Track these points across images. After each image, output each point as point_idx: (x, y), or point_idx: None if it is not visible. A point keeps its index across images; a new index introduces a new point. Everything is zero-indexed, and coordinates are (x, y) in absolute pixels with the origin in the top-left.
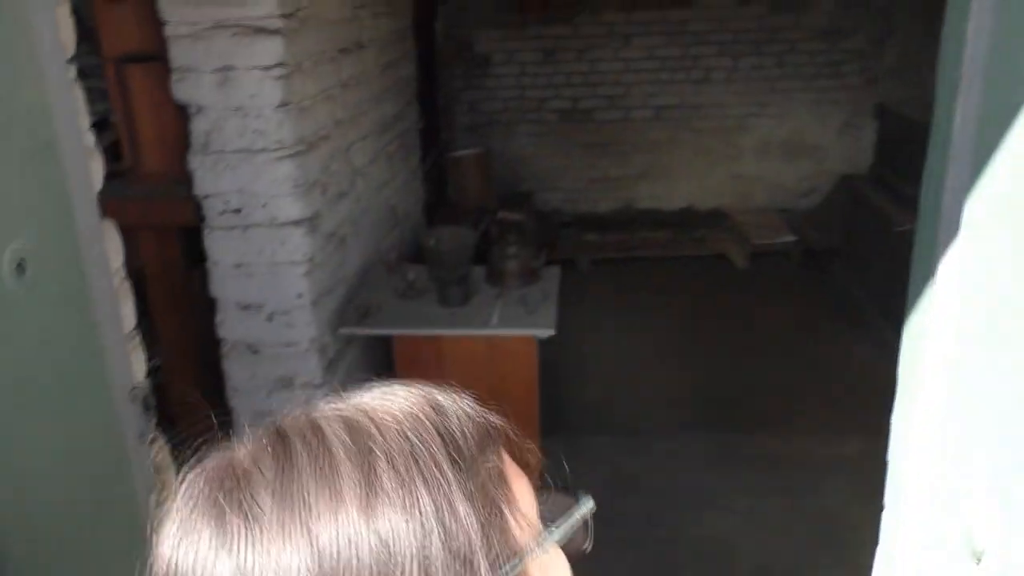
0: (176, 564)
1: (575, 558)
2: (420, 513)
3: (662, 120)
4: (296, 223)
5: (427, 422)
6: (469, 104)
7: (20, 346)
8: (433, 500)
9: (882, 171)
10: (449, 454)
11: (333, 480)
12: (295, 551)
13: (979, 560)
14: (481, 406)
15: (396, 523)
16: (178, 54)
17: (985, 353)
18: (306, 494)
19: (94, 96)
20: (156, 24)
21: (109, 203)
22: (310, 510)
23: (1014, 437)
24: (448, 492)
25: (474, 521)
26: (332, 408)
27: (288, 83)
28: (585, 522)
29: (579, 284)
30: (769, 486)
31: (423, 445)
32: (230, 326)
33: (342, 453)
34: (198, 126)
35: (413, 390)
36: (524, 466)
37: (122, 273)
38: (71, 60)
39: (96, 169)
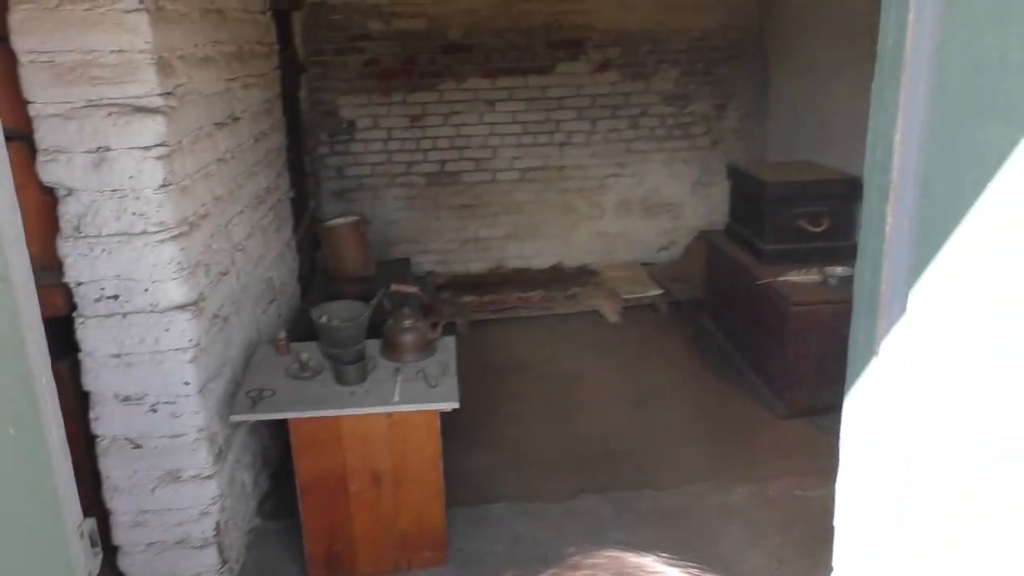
0: None
1: None
2: None
3: (528, 181)
4: (181, 307)
5: None
6: (336, 170)
7: None
8: None
9: (736, 226)
10: None
11: None
12: None
13: None
14: None
15: None
16: (46, 134)
17: (929, 423)
18: None
19: None
20: (18, 102)
21: None
22: None
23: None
24: None
25: None
26: None
27: (169, 162)
28: None
29: (460, 346)
30: (667, 540)
31: None
32: (107, 421)
33: None
34: (68, 209)
35: None
36: None
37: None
38: None
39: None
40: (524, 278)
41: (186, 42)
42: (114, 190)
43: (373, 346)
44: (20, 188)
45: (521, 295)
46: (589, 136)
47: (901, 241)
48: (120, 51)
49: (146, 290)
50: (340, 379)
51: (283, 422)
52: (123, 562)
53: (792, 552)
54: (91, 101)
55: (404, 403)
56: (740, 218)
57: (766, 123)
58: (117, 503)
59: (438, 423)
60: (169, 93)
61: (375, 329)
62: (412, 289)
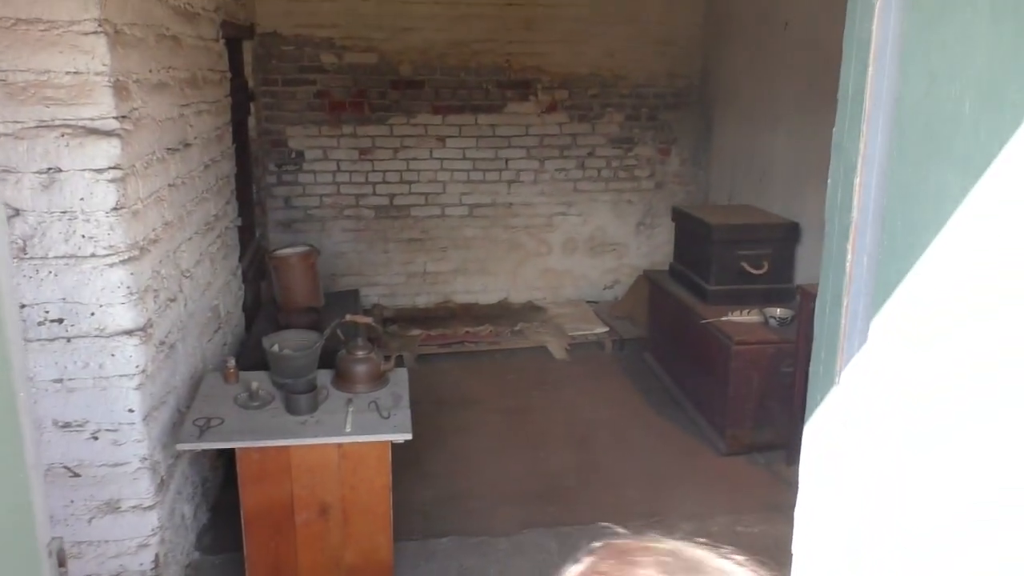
0: None
1: None
2: None
3: (476, 217)
4: (128, 333)
5: None
6: (283, 200)
7: None
8: None
9: (680, 267)
10: None
11: None
12: None
13: None
14: None
15: None
16: None
17: (889, 451)
18: None
19: None
20: None
21: None
22: None
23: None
24: None
25: None
26: None
27: (123, 185)
28: None
29: (409, 381)
30: None
31: None
32: (45, 448)
33: None
34: (15, 230)
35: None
36: None
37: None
38: None
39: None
40: (472, 313)
41: (142, 67)
42: (64, 212)
43: (325, 376)
44: None
45: (469, 330)
46: (537, 175)
47: (860, 276)
48: (76, 72)
49: (92, 314)
50: (291, 409)
51: (227, 453)
52: None
53: None
54: (43, 122)
55: (356, 434)
56: (684, 259)
57: (708, 167)
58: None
59: (389, 455)
60: (124, 116)
61: (326, 359)
62: (367, 320)
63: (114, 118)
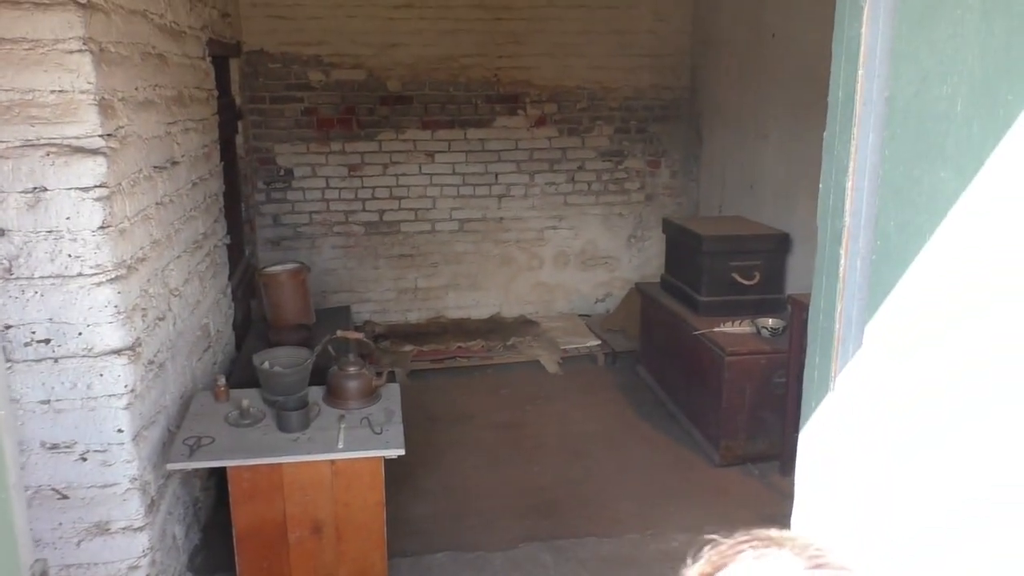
0: None
1: None
2: None
3: (467, 232)
4: (116, 352)
5: None
6: (272, 217)
7: None
8: None
9: (671, 279)
10: None
11: None
12: None
13: None
14: None
15: None
16: None
17: (886, 455)
18: None
19: None
20: None
21: None
22: None
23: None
24: None
25: None
26: None
27: (109, 204)
28: None
29: (401, 397)
30: None
31: None
32: (33, 470)
33: None
34: (0, 250)
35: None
36: None
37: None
38: None
39: None
40: (463, 328)
41: (127, 85)
42: (49, 231)
43: (316, 393)
44: None
45: (461, 345)
46: (527, 189)
47: (854, 280)
48: (61, 91)
49: (80, 334)
50: (282, 426)
51: (218, 472)
52: None
53: None
54: (28, 141)
55: (349, 450)
56: (675, 270)
57: (698, 179)
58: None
59: (382, 471)
60: (110, 135)
61: (318, 376)
62: (358, 335)
63: (100, 136)
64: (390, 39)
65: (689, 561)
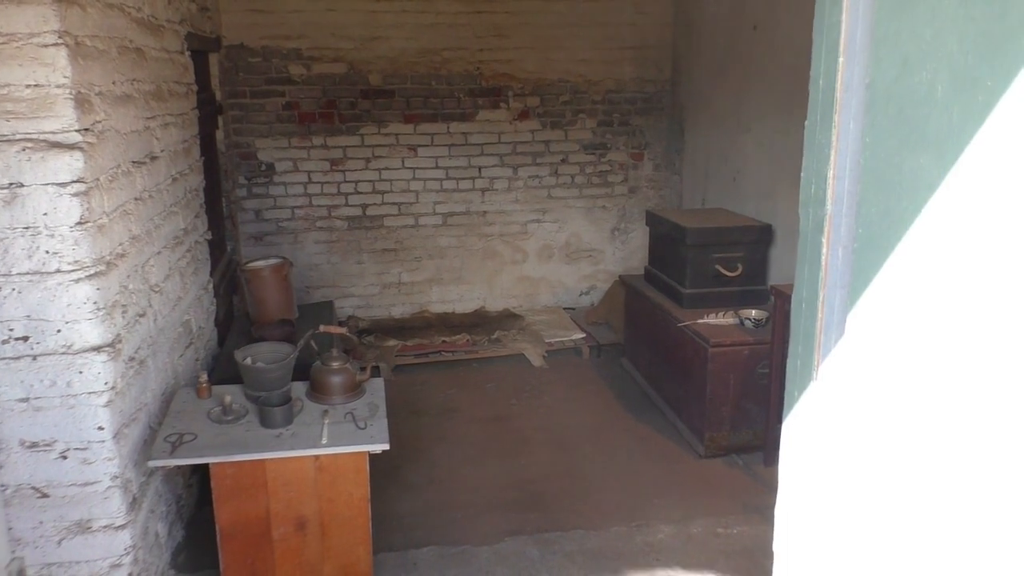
0: None
1: None
2: None
3: (450, 226)
4: (96, 349)
5: None
6: (254, 212)
7: None
8: None
9: (655, 271)
10: None
11: None
12: None
13: None
14: None
15: None
16: None
17: (869, 444)
18: None
19: None
20: None
21: None
22: None
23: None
24: None
25: None
26: None
27: (87, 199)
28: None
29: (385, 391)
30: None
31: None
32: (12, 469)
33: None
34: None
35: None
36: None
37: None
38: None
39: None
40: (448, 322)
41: (104, 79)
42: (26, 227)
43: (299, 388)
44: None
45: (445, 339)
46: (511, 182)
47: (836, 268)
48: (36, 85)
49: (59, 331)
50: (265, 422)
51: (201, 469)
52: None
53: None
54: (4, 136)
55: (333, 445)
56: (659, 263)
57: (681, 172)
58: (21, 555)
59: (367, 466)
60: (87, 129)
61: (301, 371)
62: (341, 330)
63: (76, 131)
64: (371, 32)
65: None
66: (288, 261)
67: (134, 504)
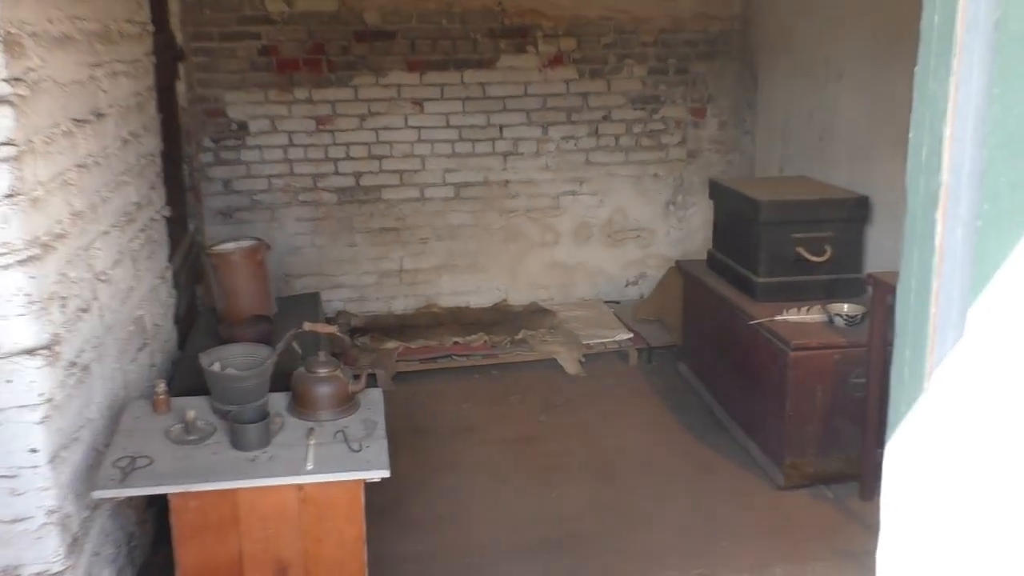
0: None
1: None
2: None
3: (464, 200)
4: (29, 352)
5: None
6: (223, 183)
7: None
8: None
9: (720, 255)
10: None
11: None
12: None
13: None
14: None
15: None
16: None
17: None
18: None
19: None
20: None
21: None
22: None
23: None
24: None
25: None
26: None
27: (18, 166)
28: None
29: (385, 405)
30: None
31: None
32: None
33: None
34: None
35: None
36: None
37: None
38: None
39: None
40: (461, 320)
41: (39, 16)
42: None
43: (279, 401)
44: None
45: (458, 340)
46: (540, 145)
47: (954, 253)
48: None
49: None
50: (237, 443)
51: (158, 502)
52: None
53: None
54: None
55: (320, 472)
56: (726, 246)
57: (753, 132)
58: None
59: (362, 498)
60: (18, 79)
61: (281, 380)
62: (330, 329)
63: (5, 80)
64: None
65: None
66: (264, 243)
67: (75, 545)
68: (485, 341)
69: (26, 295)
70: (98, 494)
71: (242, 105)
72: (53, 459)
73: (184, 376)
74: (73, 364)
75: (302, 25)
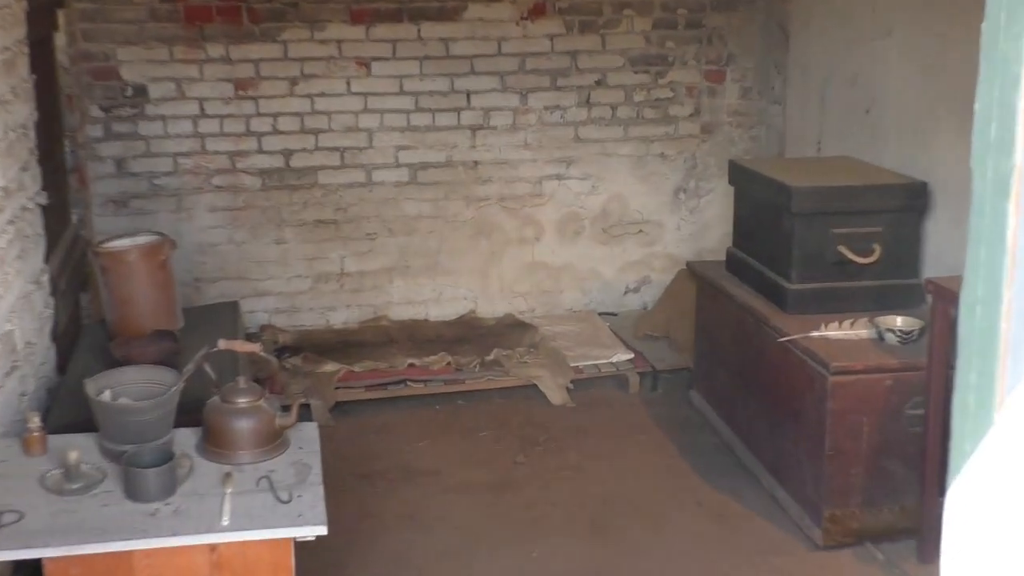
0: None
1: None
2: None
3: (422, 185)
4: None
5: None
6: (115, 163)
7: None
8: None
9: (743, 256)
10: None
11: None
12: None
13: None
14: None
15: None
16: None
17: None
18: None
19: None
20: None
21: None
22: None
23: None
24: None
25: None
26: None
27: None
28: None
29: (321, 444)
30: None
31: None
32: None
33: None
34: None
35: None
36: None
37: None
38: None
39: None
40: (418, 336)
41: None
42: None
43: (187, 438)
44: None
45: (414, 362)
46: (517, 117)
47: None
48: None
49: None
50: (133, 492)
51: (30, 566)
52: None
53: None
54: None
55: (239, 528)
56: (750, 243)
57: (784, 101)
58: None
59: (292, 561)
60: None
61: (190, 412)
62: (253, 348)
63: None
64: None
65: None
66: (168, 239)
67: None
68: (448, 363)
69: None
70: None
71: (140, 64)
72: None
73: (65, 408)
74: None
75: None
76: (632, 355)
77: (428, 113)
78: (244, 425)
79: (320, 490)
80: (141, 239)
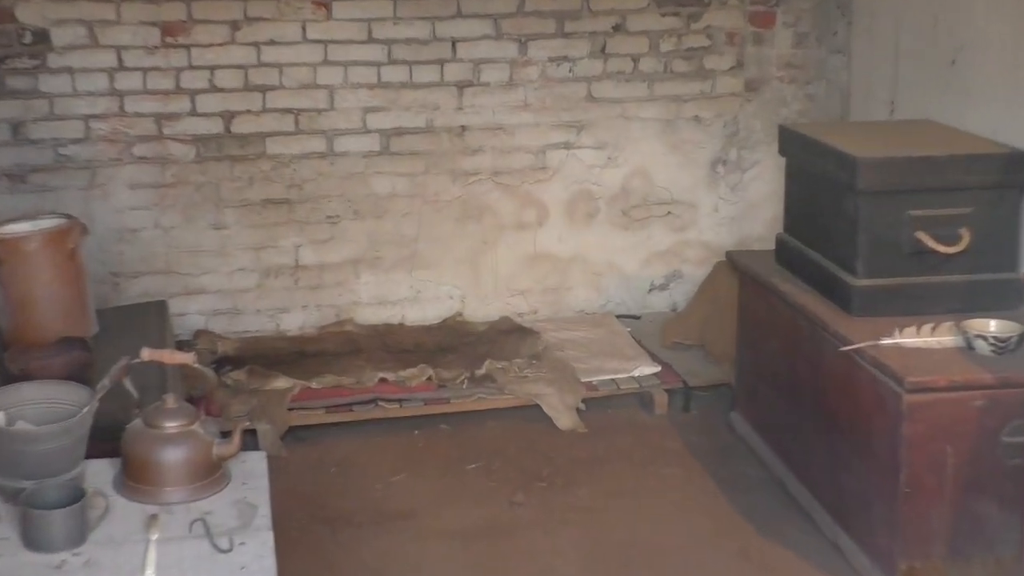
0: None
1: None
2: None
3: (397, 156)
4: None
5: None
6: (11, 128)
7: None
8: None
9: (796, 244)
10: None
11: None
12: None
13: None
14: None
15: None
16: None
17: None
18: None
19: None
20: None
21: None
22: None
23: None
24: None
25: None
26: None
27: None
28: None
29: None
30: None
31: None
32: None
33: None
34: None
35: None
36: None
37: None
38: None
39: None
40: (392, 344)
41: None
42: None
43: (102, 472)
44: None
45: (386, 377)
46: (515, 71)
47: None
48: None
49: None
50: (33, 539)
51: None
52: None
53: None
54: None
55: None
56: (805, 229)
57: (848, 50)
58: None
59: None
60: None
61: (105, 439)
62: (185, 359)
63: None
64: None
65: None
66: (79, 223)
67: None
68: (430, 378)
69: None
70: None
71: (40, 4)
72: None
73: None
74: None
75: None
76: (658, 368)
77: (404, 66)
78: (173, 455)
79: (269, 537)
80: (44, 223)
